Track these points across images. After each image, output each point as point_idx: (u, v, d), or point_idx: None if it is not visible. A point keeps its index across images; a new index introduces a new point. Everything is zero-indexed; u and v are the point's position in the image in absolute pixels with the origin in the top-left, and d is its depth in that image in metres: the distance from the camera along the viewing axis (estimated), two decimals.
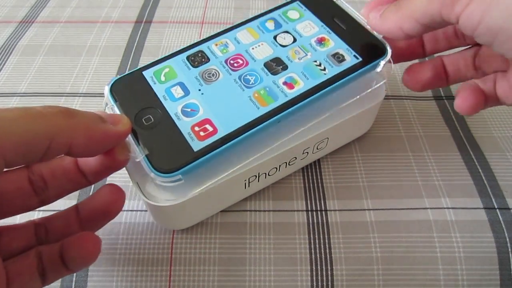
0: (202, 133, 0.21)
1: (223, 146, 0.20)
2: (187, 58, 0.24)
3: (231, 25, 0.26)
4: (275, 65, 0.24)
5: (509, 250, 0.24)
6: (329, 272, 0.24)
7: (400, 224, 0.25)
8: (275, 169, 0.25)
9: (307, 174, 0.28)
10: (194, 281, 0.23)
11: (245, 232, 0.25)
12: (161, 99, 0.22)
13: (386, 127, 0.31)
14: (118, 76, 0.23)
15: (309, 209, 0.26)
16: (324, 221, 0.25)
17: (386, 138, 0.30)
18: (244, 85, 0.23)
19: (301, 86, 0.23)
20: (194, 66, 0.24)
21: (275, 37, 0.25)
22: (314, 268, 0.24)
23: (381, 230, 0.25)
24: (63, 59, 0.36)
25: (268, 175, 0.25)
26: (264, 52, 0.24)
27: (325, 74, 0.23)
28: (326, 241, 0.25)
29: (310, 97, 0.22)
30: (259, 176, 0.24)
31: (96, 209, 0.20)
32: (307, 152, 0.26)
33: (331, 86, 0.22)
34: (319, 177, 0.28)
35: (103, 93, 0.22)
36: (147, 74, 0.23)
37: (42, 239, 0.19)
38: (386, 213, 0.26)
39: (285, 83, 0.23)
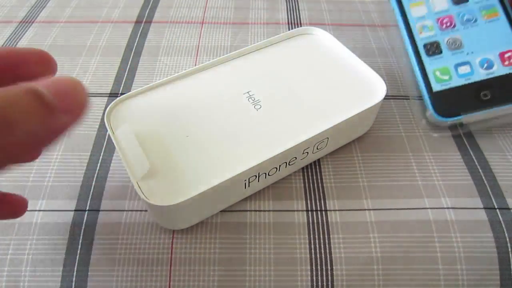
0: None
1: None
2: (424, 47, 0.29)
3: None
4: None
5: (509, 250, 0.24)
6: (329, 272, 0.24)
7: (400, 224, 0.25)
8: (275, 169, 0.25)
9: (307, 174, 0.28)
10: (194, 281, 0.23)
11: (245, 232, 0.25)
12: (468, 81, 0.28)
13: (386, 127, 0.31)
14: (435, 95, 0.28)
15: (309, 209, 0.26)
16: (324, 221, 0.25)
17: (386, 138, 0.30)
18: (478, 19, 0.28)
19: None
20: (449, 49, 0.29)
21: None
22: (314, 268, 0.24)
23: (381, 230, 0.25)
24: (63, 59, 0.36)
25: (268, 175, 0.25)
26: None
27: None
28: (326, 241, 0.25)
29: None
30: (259, 176, 0.24)
31: None
32: (307, 152, 0.26)
33: None
34: (319, 177, 0.28)
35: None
36: (437, 87, 0.28)
37: None
38: (386, 213, 0.26)
39: None
